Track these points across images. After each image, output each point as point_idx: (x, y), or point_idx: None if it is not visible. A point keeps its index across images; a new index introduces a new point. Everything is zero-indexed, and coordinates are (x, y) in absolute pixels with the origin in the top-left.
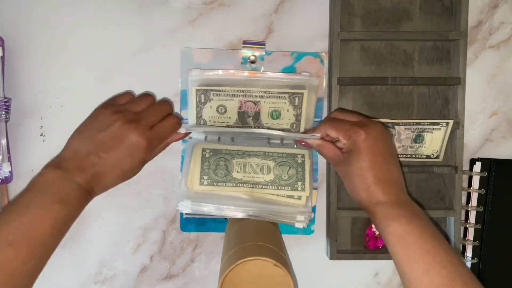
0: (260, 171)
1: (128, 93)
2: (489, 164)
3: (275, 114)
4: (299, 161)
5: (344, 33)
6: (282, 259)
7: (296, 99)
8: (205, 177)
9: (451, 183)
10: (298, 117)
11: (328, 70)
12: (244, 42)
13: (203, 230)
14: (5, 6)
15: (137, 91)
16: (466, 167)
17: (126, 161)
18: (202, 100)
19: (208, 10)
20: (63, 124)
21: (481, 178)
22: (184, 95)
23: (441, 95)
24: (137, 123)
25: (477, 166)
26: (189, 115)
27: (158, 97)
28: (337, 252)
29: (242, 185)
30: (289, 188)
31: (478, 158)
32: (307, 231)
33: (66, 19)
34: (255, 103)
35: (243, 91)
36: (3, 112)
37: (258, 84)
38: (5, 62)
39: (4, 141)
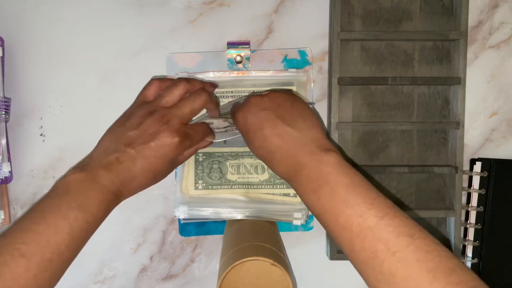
0: (254, 171)
1: (158, 84)
2: (489, 164)
3: None
4: None
5: (344, 33)
6: (280, 259)
7: None
8: (200, 181)
9: (451, 183)
10: None
11: (328, 70)
12: (229, 43)
13: (202, 233)
14: (5, 6)
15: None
16: (466, 167)
17: (156, 161)
18: None
19: (208, 10)
20: (63, 124)
21: (481, 178)
22: None
23: (441, 95)
24: (169, 120)
25: (477, 166)
26: None
27: None
28: (337, 252)
29: (237, 186)
30: (284, 186)
31: (478, 158)
32: (306, 227)
33: (66, 19)
34: None
35: (231, 92)
36: (3, 112)
37: (246, 83)
38: (5, 62)
39: (4, 141)
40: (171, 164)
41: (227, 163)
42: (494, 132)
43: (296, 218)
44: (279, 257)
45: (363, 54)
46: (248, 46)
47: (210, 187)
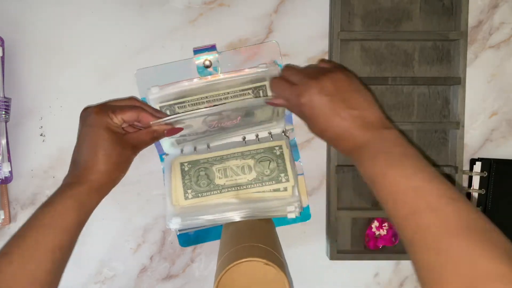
0: (242, 172)
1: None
2: (489, 164)
3: None
4: (278, 153)
5: (344, 33)
6: (275, 258)
7: (261, 91)
8: (189, 191)
9: (451, 183)
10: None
11: None
12: (195, 50)
13: (204, 241)
14: (5, 6)
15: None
16: (466, 167)
17: (89, 134)
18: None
19: (208, 10)
20: (63, 124)
21: (481, 178)
22: None
23: (441, 95)
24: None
25: (477, 166)
26: None
27: None
28: (337, 252)
29: (227, 190)
30: (273, 182)
31: (478, 158)
32: (304, 218)
33: (66, 19)
34: None
35: (206, 97)
36: (3, 112)
37: (219, 87)
38: (5, 62)
39: (4, 141)
40: (108, 133)
41: (213, 168)
42: (494, 132)
43: (289, 212)
44: (274, 256)
45: (363, 54)
46: (214, 49)
47: (200, 195)
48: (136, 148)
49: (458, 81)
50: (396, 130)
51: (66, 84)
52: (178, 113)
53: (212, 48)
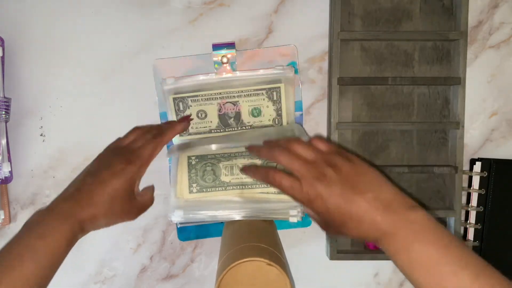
0: None
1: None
2: (489, 164)
3: (256, 112)
4: None
5: (344, 33)
6: (277, 258)
7: (274, 93)
8: (194, 185)
9: (451, 183)
10: (278, 112)
11: (328, 70)
12: (214, 45)
13: (202, 237)
14: (5, 6)
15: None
16: (466, 167)
17: (112, 182)
18: (181, 108)
19: (208, 10)
20: (63, 124)
21: (481, 178)
22: (163, 117)
23: (441, 95)
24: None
25: (477, 166)
26: None
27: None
28: (337, 252)
29: (231, 187)
30: None
31: (478, 158)
32: (304, 223)
33: (66, 19)
34: (234, 103)
35: (220, 93)
36: (3, 112)
37: (234, 84)
38: (5, 62)
39: (4, 141)
40: (129, 183)
41: (220, 164)
42: (494, 132)
43: (292, 216)
44: (276, 256)
45: (363, 54)
46: (233, 46)
47: (204, 189)
48: (140, 211)
49: (458, 81)
50: (421, 208)
51: (66, 84)
52: (191, 106)
53: (231, 45)
